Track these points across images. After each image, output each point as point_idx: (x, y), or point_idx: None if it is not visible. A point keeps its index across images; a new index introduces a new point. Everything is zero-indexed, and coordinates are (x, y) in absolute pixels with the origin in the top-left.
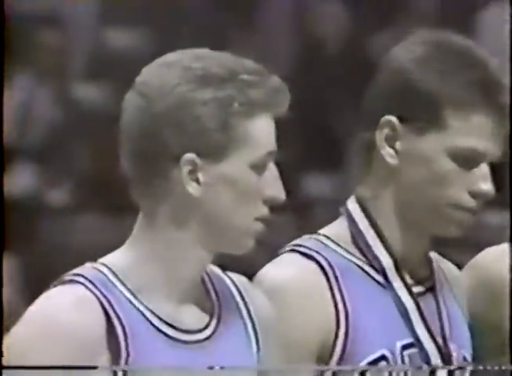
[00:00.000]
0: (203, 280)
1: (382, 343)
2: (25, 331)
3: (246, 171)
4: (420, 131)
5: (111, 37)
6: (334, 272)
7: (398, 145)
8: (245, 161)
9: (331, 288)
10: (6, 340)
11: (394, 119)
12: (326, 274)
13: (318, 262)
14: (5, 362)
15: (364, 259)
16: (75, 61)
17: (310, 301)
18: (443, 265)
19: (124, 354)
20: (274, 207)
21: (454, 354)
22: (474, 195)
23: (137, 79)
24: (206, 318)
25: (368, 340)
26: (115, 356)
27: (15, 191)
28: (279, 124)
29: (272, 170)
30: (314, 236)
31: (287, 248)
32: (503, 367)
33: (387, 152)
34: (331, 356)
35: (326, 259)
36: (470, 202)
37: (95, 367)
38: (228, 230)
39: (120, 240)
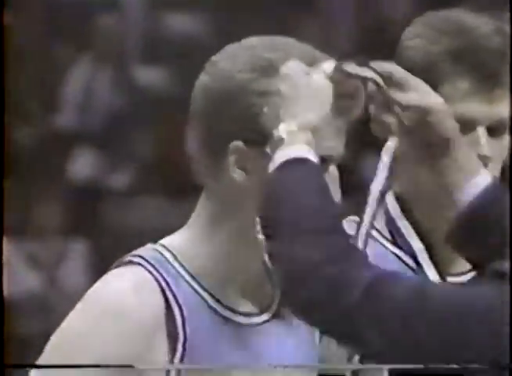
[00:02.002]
0: (266, 266)
1: None
2: (85, 313)
3: None
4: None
5: (170, 21)
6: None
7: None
8: None
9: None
10: (68, 321)
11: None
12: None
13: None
14: (65, 344)
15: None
16: (135, 45)
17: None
18: None
19: (181, 336)
20: None
21: None
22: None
23: (212, 57)
24: (265, 302)
25: None
26: (172, 338)
27: (77, 176)
28: None
29: (331, 173)
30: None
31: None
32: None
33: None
34: None
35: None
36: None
37: (130, 366)
38: None
39: (180, 224)
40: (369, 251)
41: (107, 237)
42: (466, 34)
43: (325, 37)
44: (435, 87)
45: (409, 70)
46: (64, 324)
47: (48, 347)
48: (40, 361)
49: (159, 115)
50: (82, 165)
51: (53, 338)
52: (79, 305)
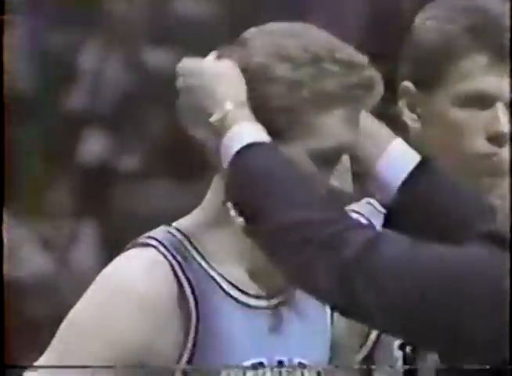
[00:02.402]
0: None
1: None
2: (98, 294)
3: (304, 158)
4: (429, 91)
5: (181, 3)
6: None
7: (418, 110)
8: (305, 149)
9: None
10: (81, 303)
11: (410, 85)
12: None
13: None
14: (79, 325)
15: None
16: (145, 27)
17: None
18: None
19: (193, 317)
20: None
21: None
22: (490, 139)
23: (231, 42)
24: (276, 286)
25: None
26: (185, 319)
27: (88, 158)
28: None
29: (344, 163)
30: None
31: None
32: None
33: (409, 117)
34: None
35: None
36: (489, 148)
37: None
38: None
39: (192, 206)
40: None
41: (118, 220)
42: (481, 12)
43: (336, 22)
44: (454, 63)
45: (425, 51)
46: (78, 306)
47: (62, 328)
48: (54, 342)
49: (169, 97)
50: (93, 147)
51: (67, 320)
52: (92, 287)
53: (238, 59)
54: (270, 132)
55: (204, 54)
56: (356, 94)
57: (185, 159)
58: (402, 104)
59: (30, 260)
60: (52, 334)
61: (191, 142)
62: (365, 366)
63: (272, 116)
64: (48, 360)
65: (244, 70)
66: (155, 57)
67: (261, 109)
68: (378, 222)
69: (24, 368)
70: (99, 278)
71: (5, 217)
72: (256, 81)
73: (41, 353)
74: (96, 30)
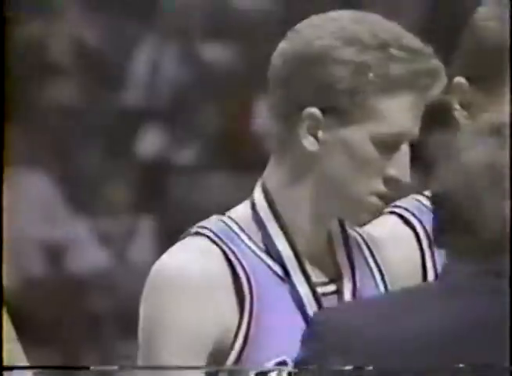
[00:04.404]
0: (329, 239)
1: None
2: (155, 283)
3: (366, 143)
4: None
5: None
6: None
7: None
8: (367, 134)
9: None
10: (143, 297)
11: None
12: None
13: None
14: (145, 313)
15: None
16: (201, 22)
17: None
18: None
19: (248, 304)
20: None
21: None
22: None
23: (296, 26)
24: (332, 273)
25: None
26: (240, 305)
27: (145, 151)
28: None
29: (403, 151)
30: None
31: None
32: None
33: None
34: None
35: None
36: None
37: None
38: (342, 195)
39: (245, 197)
40: None
41: (175, 213)
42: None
43: (392, 9)
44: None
45: (487, 49)
46: (142, 299)
47: (140, 325)
48: (140, 341)
49: (225, 91)
50: (149, 141)
51: (140, 315)
52: (149, 278)
53: (303, 41)
54: (333, 114)
55: (260, 48)
56: (423, 82)
57: (239, 152)
58: (453, 99)
59: (89, 255)
60: (112, 327)
61: (245, 135)
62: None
63: (335, 97)
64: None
65: (307, 53)
66: (211, 51)
67: (324, 90)
68: (425, 218)
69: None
70: (154, 268)
71: (66, 213)
72: (320, 62)
73: (102, 347)
74: (153, 24)
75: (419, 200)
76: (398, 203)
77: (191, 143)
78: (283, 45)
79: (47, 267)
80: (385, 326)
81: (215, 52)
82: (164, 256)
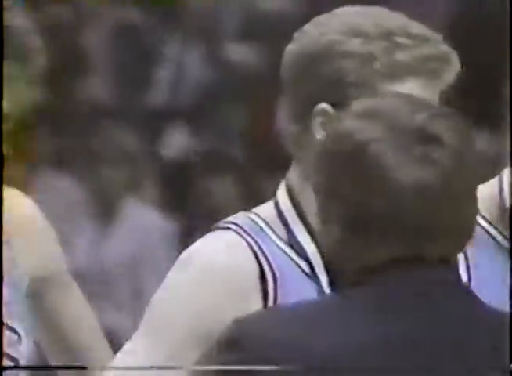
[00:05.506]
0: None
1: None
2: (181, 275)
3: None
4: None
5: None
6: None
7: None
8: None
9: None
10: (166, 283)
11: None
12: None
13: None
14: (164, 304)
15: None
16: (227, 22)
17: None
18: None
19: (272, 297)
20: None
21: None
22: None
23: (304, 26)
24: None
25: None
26: (264, 299)
27: (170, 152)
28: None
29: None
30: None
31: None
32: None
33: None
34: None
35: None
36: None
37: (84, 367)
38: None
39: (271, 195)
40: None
41: (199, 212)
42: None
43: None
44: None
45: None
46: (163, 287)
47: (149, 310)
48: (142, 325)
49: (250, 91)
50: (175, 141)
51: (153, 301)
52: (174, 266)
53: (309, 39)
54: (344, 108)
55: (284, 49)
56: (431, 66)
57: (265, 152)
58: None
59: (115, 251)
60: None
61: (269, 135)
62: None
63: (344, 91)
64: (137, 344)
65: (313, 51)
66: (236, 52)
67: (333, 84)
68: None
69: (22, 369)
70: (180, 259)
71: (91, 214)
72: (327, 58)
73: None
74: (177, 25)
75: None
76: None
77: (215, 143)
78: (290, 46)
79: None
80: (307, 334)
81: (240, 53)
82: (192, 246)
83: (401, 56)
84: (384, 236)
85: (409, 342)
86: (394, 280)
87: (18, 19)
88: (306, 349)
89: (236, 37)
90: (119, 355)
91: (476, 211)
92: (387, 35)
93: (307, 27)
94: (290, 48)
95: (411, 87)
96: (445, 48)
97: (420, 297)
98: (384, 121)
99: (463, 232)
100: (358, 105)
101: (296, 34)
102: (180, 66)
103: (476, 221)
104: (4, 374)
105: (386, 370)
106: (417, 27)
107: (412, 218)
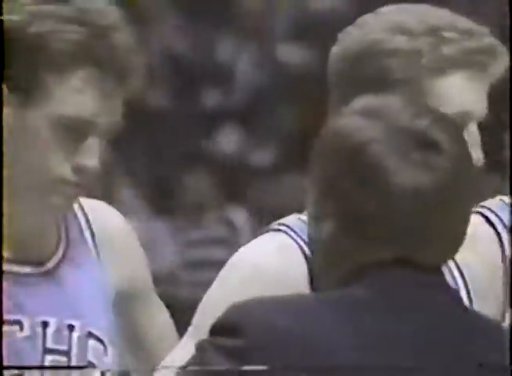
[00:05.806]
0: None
1: None
2: (233, 275)
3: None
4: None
5: (316, 0)
6: None
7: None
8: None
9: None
10: (217, 285)
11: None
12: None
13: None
14: (214, 304)
15: None
16: (279, 23)
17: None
18: None
19: None
20: None
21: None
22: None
23: (348, 27)
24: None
25: None
26: None
27: (221, 152)
28: None
29: (472, 132)
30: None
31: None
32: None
33: None
34: None
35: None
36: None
37: (84, 367)
38: None
39: None
40: None
41: (255, 212)
42: None
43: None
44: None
45: None
46: (214, 287)
47: (201, 310)
48: (193, 326)
49: (302, 92)
50: (227, 142)
51: (204, 302)
52: (225, 267)
53: (353, 40)
54: None
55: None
56: (477, 59)
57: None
58: None
59: (167, 253)
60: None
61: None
62: None
63: (392, 88)
64: (188, 343)
65: (358, 50)
66: (288, 53)
67: (380, 82)
68: (507, 217)
69: (23, 369)
70: (232, 260)
71: (144, 213)
72: (374, 56)
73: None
74: (230, 26)
75: (502, 200)
76: (485, 203)
77: (268, 144)
78: (335, 48)
79: None
80: (304, 321)
81: (292, 54)
82: (243, 248)
83: (447, 50)
84: (376, 238)
85: (396, 343)
86: (383, 282)
87: (124, 37)
88: (303, 336)
89: (288, 37)
90: (172, 353)
91: (469, 219)
92: (433, 31)
93: (350, 27)
94: (335, 49)
95: (457, 80)
96: (491, 40)
97: (408, 299)
98: (384, 121)
99: (456, 238)
100: (360, 103)
101: (340, 35)
102: (232, 68)
103: (467, 228)
104: None
105: (373, 368)
106: (463, 22)
107: (406, 221)
